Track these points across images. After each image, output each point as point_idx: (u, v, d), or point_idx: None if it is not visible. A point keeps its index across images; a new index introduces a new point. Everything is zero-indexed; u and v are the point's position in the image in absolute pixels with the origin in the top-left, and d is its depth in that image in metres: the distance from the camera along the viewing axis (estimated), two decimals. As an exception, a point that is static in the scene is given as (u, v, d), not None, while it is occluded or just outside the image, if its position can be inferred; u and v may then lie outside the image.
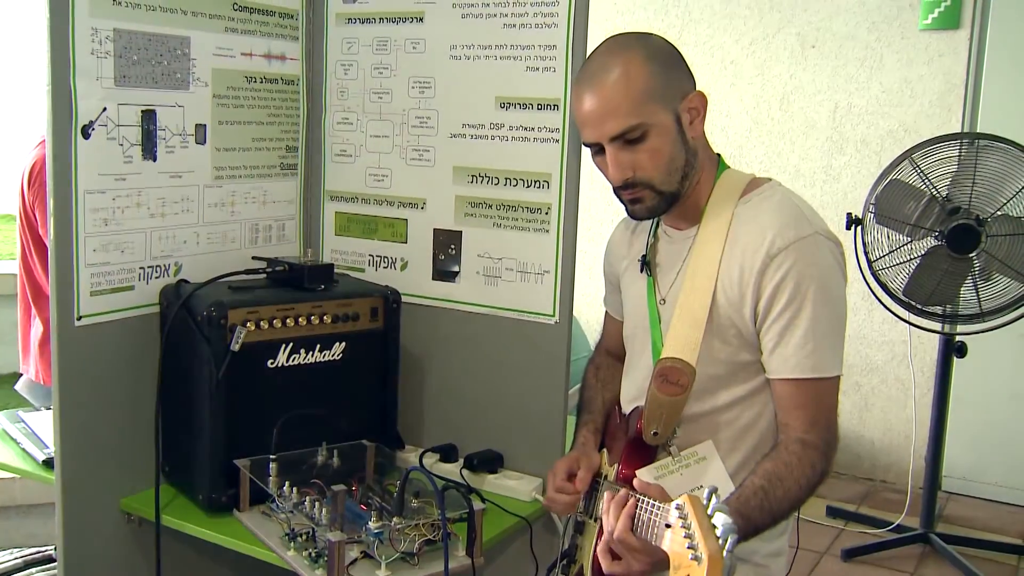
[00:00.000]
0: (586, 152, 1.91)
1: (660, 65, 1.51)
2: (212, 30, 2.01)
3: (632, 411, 1.65)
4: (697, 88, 1.56)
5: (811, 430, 1.48)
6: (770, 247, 1.48)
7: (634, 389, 1.68)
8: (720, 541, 1.13)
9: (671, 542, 1.21)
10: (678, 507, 1.21)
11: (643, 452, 1.56)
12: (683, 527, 1.18)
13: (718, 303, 1.53)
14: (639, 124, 1.49)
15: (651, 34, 1.59)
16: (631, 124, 1.48)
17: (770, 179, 1.60)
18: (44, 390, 3.03)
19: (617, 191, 1.57)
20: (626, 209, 1.60)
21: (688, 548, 1.15)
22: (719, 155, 1.64)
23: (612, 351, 1.89)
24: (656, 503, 1.33)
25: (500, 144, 2.05)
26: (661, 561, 1.31)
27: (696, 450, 1.55)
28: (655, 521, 1.31)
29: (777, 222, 1.50)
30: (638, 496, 1.38)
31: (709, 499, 1.18)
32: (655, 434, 1.54)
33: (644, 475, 1.51)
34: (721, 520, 1.15)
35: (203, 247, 2.05)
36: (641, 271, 1.68)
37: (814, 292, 1.48)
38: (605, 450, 1.72)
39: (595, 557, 1.54)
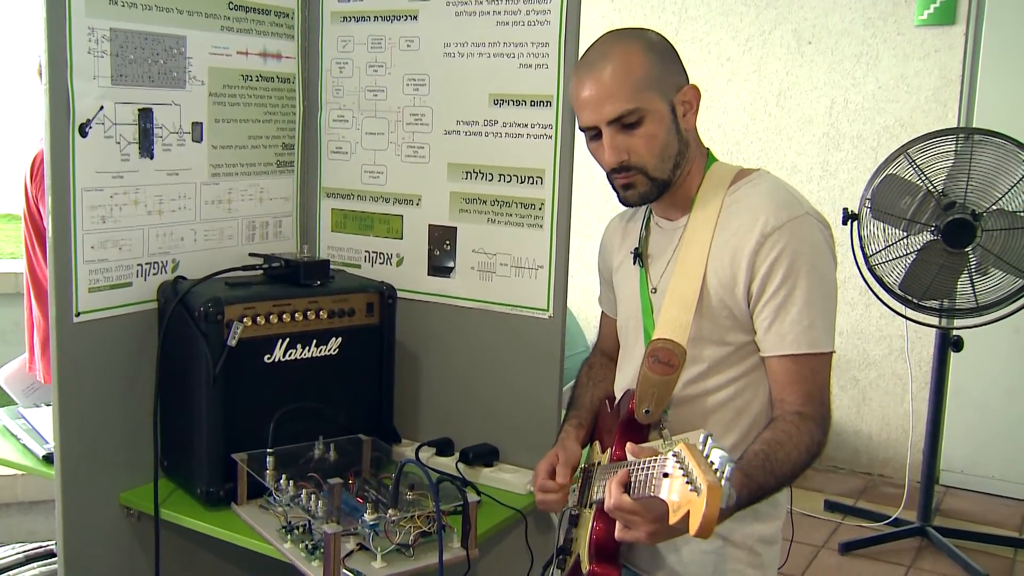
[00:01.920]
0: (579, 148, 1.94)
1: (658, 56, 1.57)
2: (208, 29, 2.02)
3: (624, 395, 1.67)
4: (691, 83, 1.60)
5: (808, 404, 1.51)
6: (764, 227, 1.52)
7: (627, 378, 1.70)
8: (717, 473, 1.15)
9: (669, 489, 1.23)
10: (675, 455, 1.23)
11: (635, 433, 1.58)
12: (681, 470, 1.20)
13: (709, 286, 1.56)
14: (636, 109, 1.53)
15: (648, 29, 1.64)
16: (629, 108, 1.53)
17: (759, 168, 1.63)
18: (31, 386, 3.03)
19: (610, 176, 1.61)
20: (618, 196, 1.64)
21: (687, 484, 1.17)
22: (708, 149, 1.67)
23: (607, 351, 1.91)
24: (652, 459, 1.33)
25: (494, 141, 2.06)
26: (663, 519, 1.31)
27: (687, 436, 1.56)
28: (652, 475, 1.31)
29: (770, 204, 1.54)
30: (632, 462, 1.40)
31: (704, 442, 1.20)
32: (647, 412, 1.56)
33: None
34: (717, 455, 1.17)
35: (200, 244, 2.07)
36: (634, 263, 1.71)
37: (808, 270, 1.51)
38: (597, 442, 1.74)
39: (591, 541, 1.56)
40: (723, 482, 1.14)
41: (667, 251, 1.65)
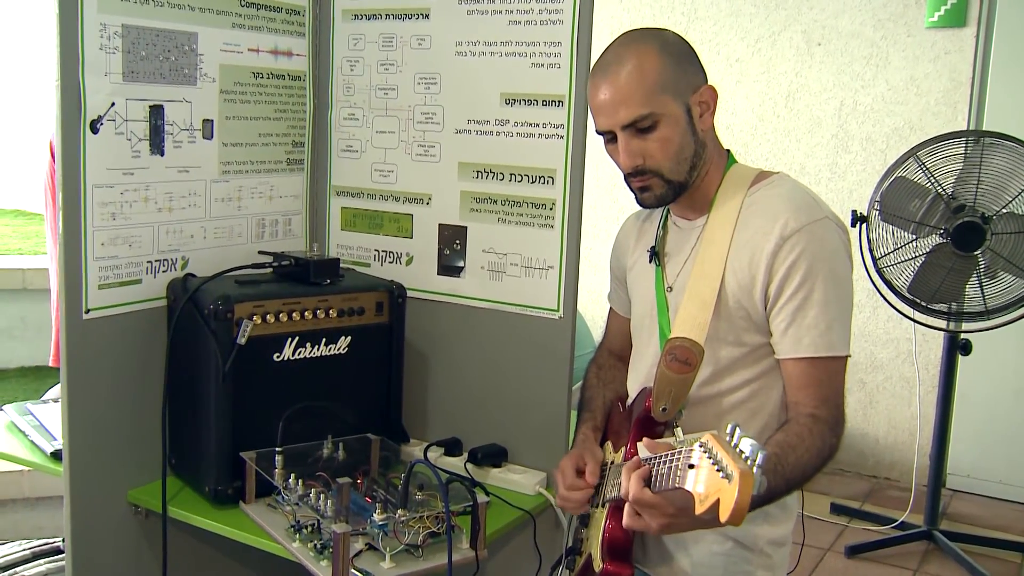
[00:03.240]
0: (591, 148, 1.94)
1: (673, 58, 1.56)
2: (219, 26, 2.02)
3: (639, 393, 1.66)
4: (708, 83, 1.60)
5: (821, 407, 1.51)
6: (783, 229, 1.52)
7: (641, 377, 1.70)
8: (748, 461, 1.15)
9: (695, 480, 1.23)
10: (702, 444, 1.23)
11: (650, 432, 1.58)
12: (709, 459, 1.20)
13: (727, 287, 1.56)
14: (650, 113, 1.53)
15: (665, 29, 1.63)
16: (643, 113, 1.53)
17: (779, 172, 1.63)
18: None
19: (627, 179, 1.61)
20: (636, 198, 1.64)
21: (717, 471, 1.17)
22: (729, 151, 1.67)
23: (614, 350, 1.90)
24: (676, 451, 1.33)
25: (505, 140, 2.05)
26: (682, 512, 1.33)
27: (699, 436, 1.56)
28: (676, 466, 1.31)
29: (789, 206, 1.54)
30: (652, 455, 1.40)
31: (732, 432, 1.20)
32: (664, 410, 1.56)
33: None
34: (747, 443, 1.17)
35: (210, 241, 2.07)
36: (650, 262, 1.70)
37: (826, 274, 1.51)
38: (609, 443, 1.74)
39: (604, 539, 1.56)
40: (755, 469, 1.14)
41: (684, 250, 1.65)
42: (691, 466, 1.24)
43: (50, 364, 3.13)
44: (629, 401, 1.73)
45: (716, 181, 1.63)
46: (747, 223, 1.57)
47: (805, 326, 1.51)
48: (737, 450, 1.18)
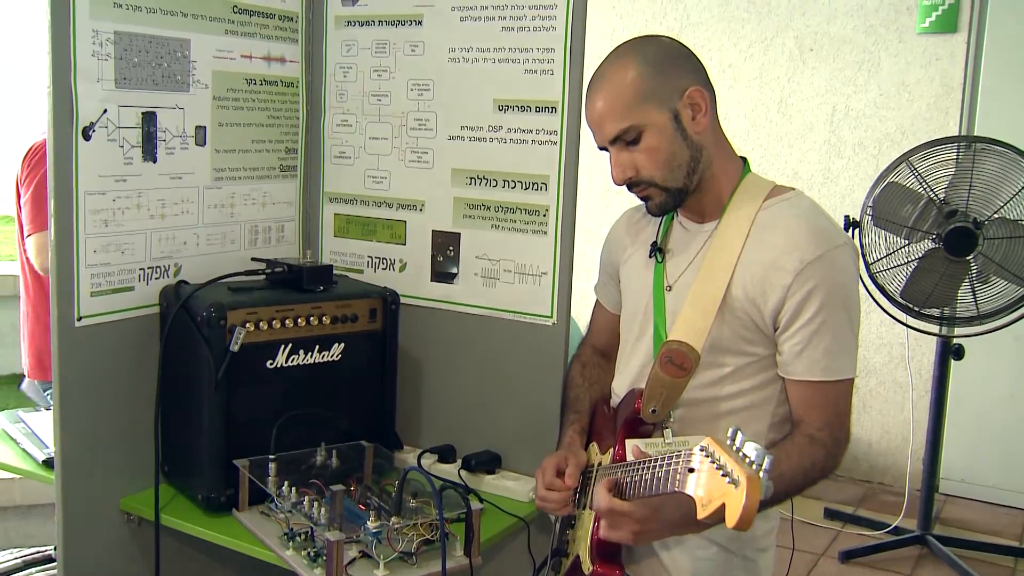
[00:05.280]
0: (584, 154, 1.95)
1: (652, 66, 1.55)
2: (212, 32, 2.02)
3: (629, 392, 1.66)
4: (705, 83, 1.59)
5: (823, 428, 1.53)
6: (803, 254, 1.51)
7: (630, 376, 1.70)
8: (753, 466, 1.15)
9: (696, 484, 1.23)
10: (703, 448, 1.23)
11: (639, 432, 1.59)
12: (712, 463, 1.20)
13: (734, 295, 1.55)
14: (632, 126, 1.54)
15: (654, 36, 1.64)
16: (624, 127, 1.54)
17: (794, 188, 1.63)
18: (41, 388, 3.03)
19: (629, 190, 1.62)
20: (645, 208, 1.65)
21: (723, 476, 1.17)
22: (745, 159, 1.67)
23: (599, 347, 1.90)
24: (675, 453, 1.33)
25: (498, 146, 2.05)
26: (649, 519, 1.39)
27: (687, 440, 1.56)
28: (675, 469, 1.31)
29: (810, 231, 1.54)
30: (636, 460, 1.43)
31: (734, 436, 1.21)
32: (653, 411, 1.57)
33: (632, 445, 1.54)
34: (752, 448, 1.17)
35: (203, 248, 2.06)
36: (650, 256, 1.70)
37: (842, 301, 1.53)
38: (594, 444, 1.73)
39: (592, 542, 1.56)
40: (761, 473, 1.14)
41: (689, 251, 1.65)
42: (691, 470, 1.24)
43: (26, 375, 3.12)
44: (616, 401, 1.72)
45: (727, 186, 1.62)
46: (762, 237, 1.56)
47: (821, 351, 1.52)
48: (740, 454, 1.18)
